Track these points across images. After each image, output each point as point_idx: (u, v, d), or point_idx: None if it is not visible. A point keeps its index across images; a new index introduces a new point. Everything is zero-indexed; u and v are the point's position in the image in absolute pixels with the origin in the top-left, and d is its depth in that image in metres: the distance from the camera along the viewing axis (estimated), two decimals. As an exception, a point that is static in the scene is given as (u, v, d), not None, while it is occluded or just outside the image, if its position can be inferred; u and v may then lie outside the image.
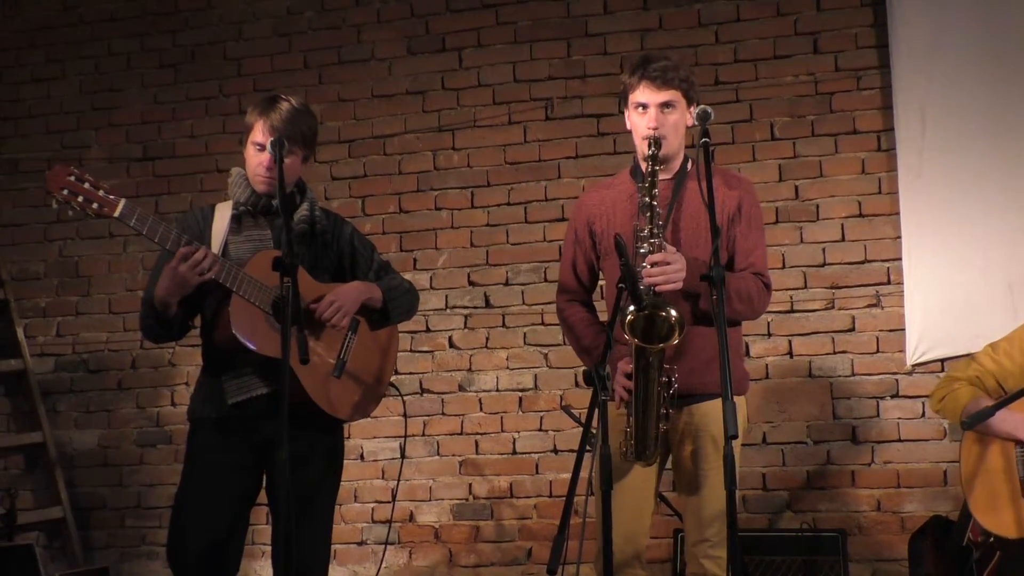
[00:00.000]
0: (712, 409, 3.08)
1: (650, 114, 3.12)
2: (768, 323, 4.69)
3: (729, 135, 4.82)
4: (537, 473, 4.84)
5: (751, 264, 3.17)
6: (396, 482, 4.64)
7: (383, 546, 4.82)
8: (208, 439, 3.21)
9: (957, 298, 4.43)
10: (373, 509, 4.98)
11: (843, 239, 4.68)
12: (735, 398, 3.03)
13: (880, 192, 4.67)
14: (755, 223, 3.20)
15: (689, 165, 3.23)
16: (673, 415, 3.11)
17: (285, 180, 3.15)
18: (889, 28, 4.66)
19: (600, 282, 3.39)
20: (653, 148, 3.07)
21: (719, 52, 4.89)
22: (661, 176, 3.12)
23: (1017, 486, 3.03)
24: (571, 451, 4.66)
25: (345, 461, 3.41)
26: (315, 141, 3.32)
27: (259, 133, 3.18)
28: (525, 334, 4.94)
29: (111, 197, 2.99)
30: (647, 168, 3.09)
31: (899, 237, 4.59)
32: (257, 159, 3.19)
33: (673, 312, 2.94)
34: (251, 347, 3.06)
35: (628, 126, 3.22)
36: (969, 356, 3.26)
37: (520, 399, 4.92)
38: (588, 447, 2.76)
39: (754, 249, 3.18)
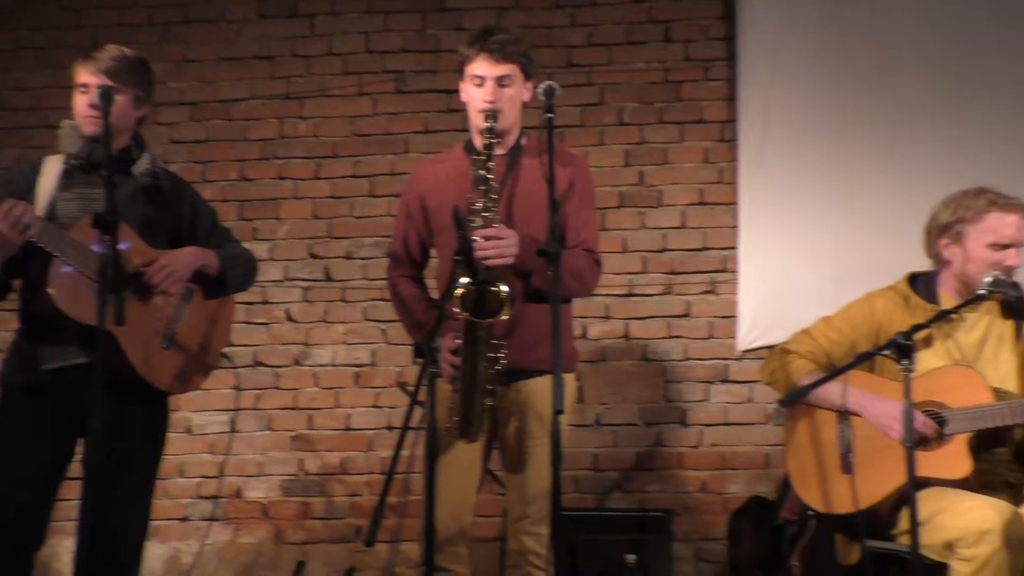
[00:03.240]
0: (539, 386, 3.08)
1: (487, 87, 3.09)
2: (607, 306, 4.74)
3: (578, 118, 4.85)
4: (370, 450, 4.78)
5: (582, 241, 3.17)
6: (224, 456, 4.53)
7: (208, 522, 4.70)
8: (18, 406, 3.06)
9: (787, 288, 4.57)
10: (199, 484, 4.84)
11: (683, 226, 4.77)
12: (565, 375, 3.06)
13: (721, 182, 4.77)
14: (587, 200, 3.20)
15: (524, 141, 3.21)
16: (500, 392, 3.09)
17: (116, 123, 3.00)
18: (737, 21, 4.75)
19: (433, 259, 3.35)
20: (489, 122, 3.05)
21: (573, 35, 4.91)
22: (496, 151, 3.08)
23: (837, 462, 3.11)
24: (407, 428, 4.62)
25: (172, 435, 3.29)
26: (149, 84, 3.19)
27: (83, 74, 3.07)
28: (365, 309, 4.88)
29: None
30: (483, 142, 3.06)
31: (736, 226, 4.70)
32: (81, 100, 3.06)
33: (504, 287, 2.93)
34: (70, 315, 2.92)
35: (464, 98, 3.18)
36: (803, 330, 3.32)
37: (356, 375, 4.86)
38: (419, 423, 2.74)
39: (585, 226, 3.18)
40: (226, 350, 3.36)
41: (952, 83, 4.60)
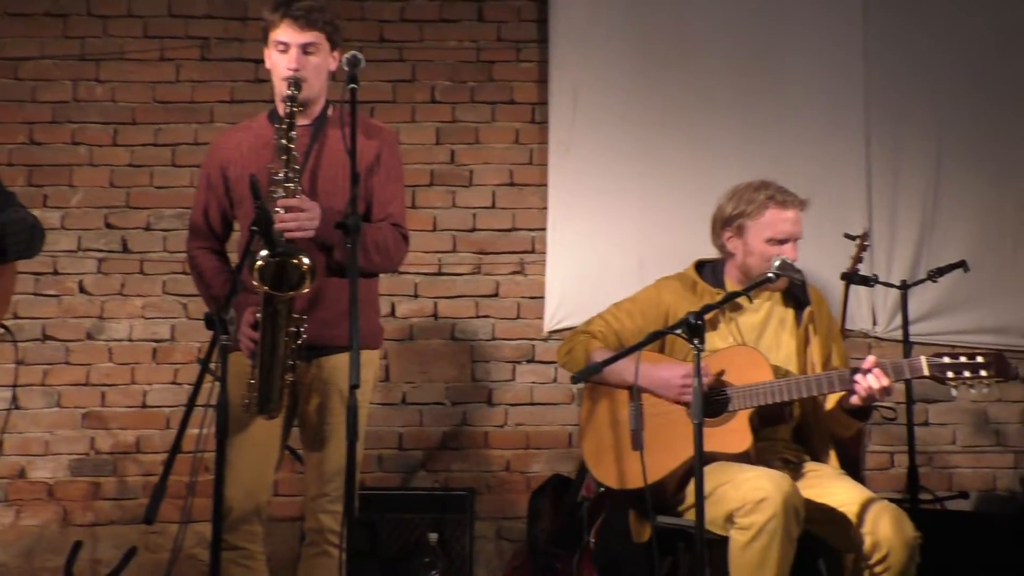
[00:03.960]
0: (341, 363, 3.02)
1: (291, 54, 3.02)
2: (416, 284, 4.71)
3: (390, 94, 4.80)
4: (168, 428, 4.60)
5: (389, 215, 3.14)
6: (4, 435, 4.27)
7: (-15, 504, 4.45)
8: None
9: (593, 270, 4.65)
10: (-22, 465, 4.58)
11: (493, 206, 4.79)
12: (367, 352, 3.03)
13: (531, 163, 4.81)
14: (394, 174, 3.16)
15: (330, 112, 3.15)
16: (302, 368, 3.03)
17: None
18: (549, 4, 4.80)
19: (236, 232, 3.24)
20: (292, 90, 2.98)
21: (385, 9, 4.85)
22: (300, 121, 3.02)
23: (626, 439, 3.18)
24: (204, 406, 4.46)
25: (-55, 411, 3.08)
26: None
27: None
28: (164, 282, 4.70)
29: None
30: (285, 110, 2.99)
31: (545, 208, 4.75)
32: None
33: (305, 260, 2.86)
34: None
35: (268, 66, 3.10)
36: (598, 315, 3.39)
37: (155, 350, 4.67)
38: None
39: (392, 200, 3.14)
40: (6, 322, 3.19)
41: (753, 71, 4.76)
